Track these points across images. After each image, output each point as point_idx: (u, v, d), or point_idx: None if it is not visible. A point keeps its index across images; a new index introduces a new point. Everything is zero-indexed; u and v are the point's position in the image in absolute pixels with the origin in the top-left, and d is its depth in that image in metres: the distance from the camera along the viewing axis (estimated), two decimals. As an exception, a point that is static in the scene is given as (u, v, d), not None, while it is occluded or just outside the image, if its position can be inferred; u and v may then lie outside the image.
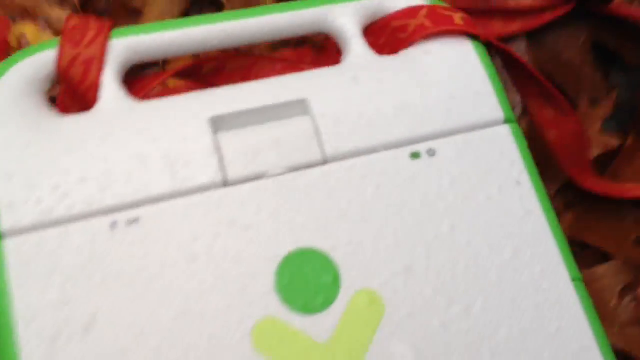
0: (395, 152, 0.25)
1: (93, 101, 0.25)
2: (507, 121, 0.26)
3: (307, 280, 0.22)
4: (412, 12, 0.28)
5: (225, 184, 0.23)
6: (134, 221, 0.22)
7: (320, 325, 0.22)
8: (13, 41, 0.33)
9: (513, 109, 0.37)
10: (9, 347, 0.19)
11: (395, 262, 0.23)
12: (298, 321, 0.22)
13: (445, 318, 0.23)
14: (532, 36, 0.40)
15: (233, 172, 0.23)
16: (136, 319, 0.20)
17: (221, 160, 0.23)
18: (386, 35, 0.29)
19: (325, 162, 0.24)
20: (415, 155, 0.25)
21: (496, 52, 0.33)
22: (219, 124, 0.24)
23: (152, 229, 0.22)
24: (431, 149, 0.25)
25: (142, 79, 0.28)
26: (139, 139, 0.23)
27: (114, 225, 0.21)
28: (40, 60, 0.24)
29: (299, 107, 0.25)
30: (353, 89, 0.26)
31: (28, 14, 0.35)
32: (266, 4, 0.37)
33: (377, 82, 0.26)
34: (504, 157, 0.26)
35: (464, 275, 0.23)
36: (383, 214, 0.24)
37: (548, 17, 0.39)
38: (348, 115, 0.25)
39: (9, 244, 0.21)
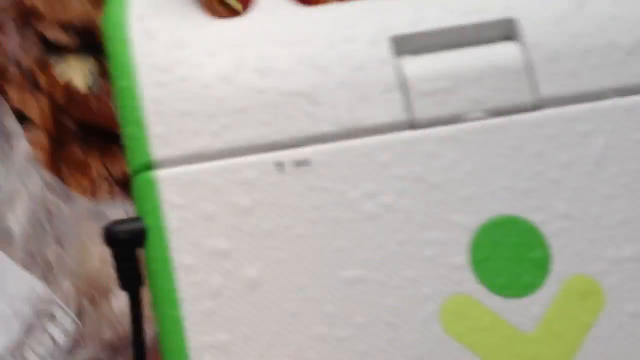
0: (634, 100, 0.19)
1: (247, 2, 0.21)
2: None
3: (510, 256, 0.18)
4: None
5: (412, 125, 0.19)
6: (303, 163, 0.18)
7: (523, 312, 0.18)
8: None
9: None
10: (169, 295, 0.17)
11: (623, 245, 0.18)
12: (496, 303, 0.18)
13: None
14: None
15: (421, 112, 0.19)
16: (308, 281, 0.17)
17: (405, 93, 0.19)
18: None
19: (538, 106, 0.19)
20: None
21: None
22: (402, 45, 0.19)
23: (324, 174, 0.18)
24: None
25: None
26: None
27: (279, 166, 0.18)
28: None
29: (505, 29, 0.20)
30: (579, 13, 0.20)
31: None
32: None
33: (610, 5, 0.20)
34: None
35: None
36: (613, 182, 0.19)
37: None
38: (571, 45, 0.19)
39: (165, 175, 0.18)
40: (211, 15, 0.21)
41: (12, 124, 0.37)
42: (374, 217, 0.18)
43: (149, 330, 0.20)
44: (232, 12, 0.21)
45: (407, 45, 0.20)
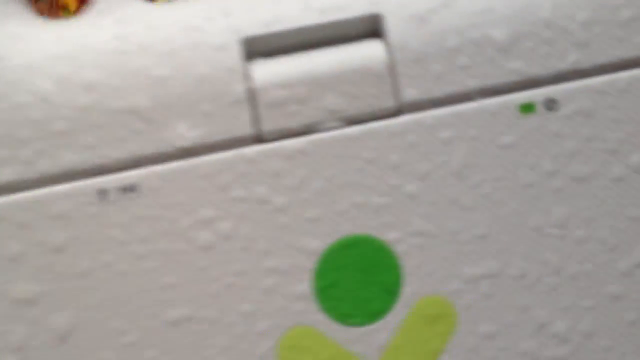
0: (498, 102, 0.17)
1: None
2: None
3: (357, 280, 0.17)
4: None
5: (259, 139, 0.16)
6: (130, 189, 0.16)
7: (368, 341, 0.17)
8: None
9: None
10: None
11: (480, 262, 0.17)
12: (340, 333, 0.16)
13: (536, 344, 0.17)
14: None
15: (269, 123, 0.16)
16: (128, 325, 0.16)
17: (253, 103, 0.16)
18: None
19: (399, 112, 0.17)
20: (526, 108, 0.17)
21: None
22: (254, 48, 0.17)
23: (153, 201, 0.16)
24: (550, 99, 0.17)
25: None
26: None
27: (102, 194, 0.16)
28: None
29: (369, 26, 0.17)
30: (450, 7, 0.17)
31: None
32: None
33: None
34: None
35: (571, 287, 0.17)
36: (472, 193, 0.17)
37: None
38: (439, 43, 0.17)
39: None
40: (40, 14, 0.17)
41: None
42: (208, 247, 0.16)
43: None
44: (64, 10, 0.17)
45: (259, 48, 0.16)
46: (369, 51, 0.17)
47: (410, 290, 0.17)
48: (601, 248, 0.17)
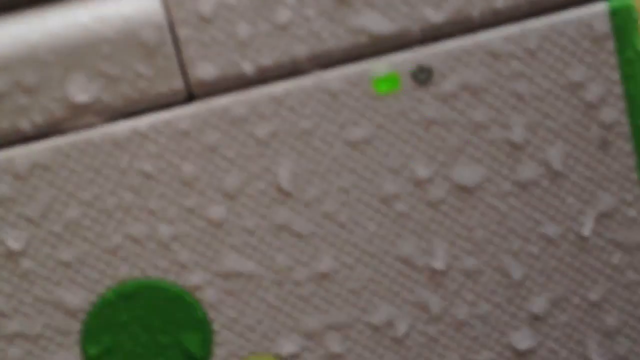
0: (341, 76, 0.11)
1: None
2: None
3: (144, 342, 0.12)
4: None
5: None
6: None
7: None
8: None
9: None
10: None
11: (326, 310, 0.12)
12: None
13: None
14: None
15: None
16: None
17: None
18: None
19: (190, 97, 0.12)
20: (385, 84, 0.12)
21: None
22: None
23: None
24: (421, 67, 0.12)
25: None
26: None
27: None
28: None
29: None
30: None
31: None
32: None
33: None
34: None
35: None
36: (310, 213, 0.12)
37: None
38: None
39: None
40: None
41: None
42: None
43: None
44: None
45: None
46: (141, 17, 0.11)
47: (225, 353, 0.12)
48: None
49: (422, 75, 0.11)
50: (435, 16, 0.11)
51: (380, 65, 0.11)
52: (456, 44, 0.11)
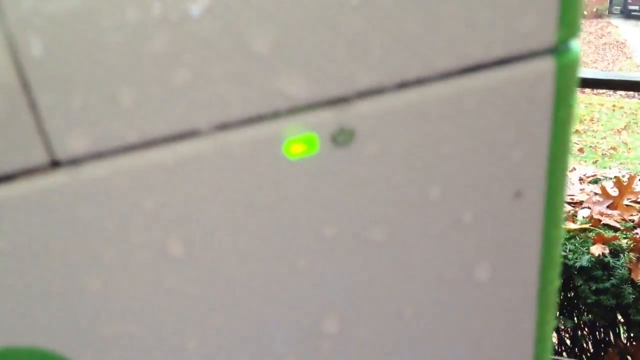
0: (249, 139, 0.10)
1: None
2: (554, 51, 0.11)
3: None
4: None
5: None
6: None
7: None
8: None
9: None
10: None
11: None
12: None
13: None
14: None
15: None
16: None
17: None
18: None
19: (54, 164, 0.10)
20: (302, 145, 0.10)
21: None
22: None
23: None
24: (342, 129, 0.10)
25: None
26: None
27: None
28: None
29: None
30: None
31: None
32: None
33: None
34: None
35: None
36: (201, 283, 0.10)
37: None
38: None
39: None
40: None
41: None
42: None
43: None
44: None
45: None
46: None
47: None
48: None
49: (342, 137, 0.10)
50: (364, 75, 0.10)
51: (293, 128, 0.10)
52: (386, 103, 0.10)
